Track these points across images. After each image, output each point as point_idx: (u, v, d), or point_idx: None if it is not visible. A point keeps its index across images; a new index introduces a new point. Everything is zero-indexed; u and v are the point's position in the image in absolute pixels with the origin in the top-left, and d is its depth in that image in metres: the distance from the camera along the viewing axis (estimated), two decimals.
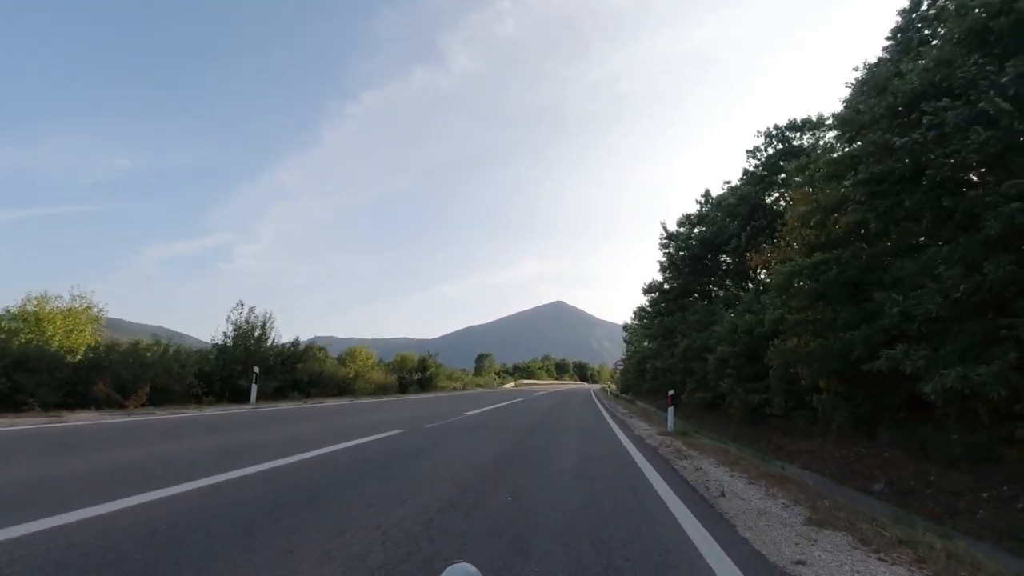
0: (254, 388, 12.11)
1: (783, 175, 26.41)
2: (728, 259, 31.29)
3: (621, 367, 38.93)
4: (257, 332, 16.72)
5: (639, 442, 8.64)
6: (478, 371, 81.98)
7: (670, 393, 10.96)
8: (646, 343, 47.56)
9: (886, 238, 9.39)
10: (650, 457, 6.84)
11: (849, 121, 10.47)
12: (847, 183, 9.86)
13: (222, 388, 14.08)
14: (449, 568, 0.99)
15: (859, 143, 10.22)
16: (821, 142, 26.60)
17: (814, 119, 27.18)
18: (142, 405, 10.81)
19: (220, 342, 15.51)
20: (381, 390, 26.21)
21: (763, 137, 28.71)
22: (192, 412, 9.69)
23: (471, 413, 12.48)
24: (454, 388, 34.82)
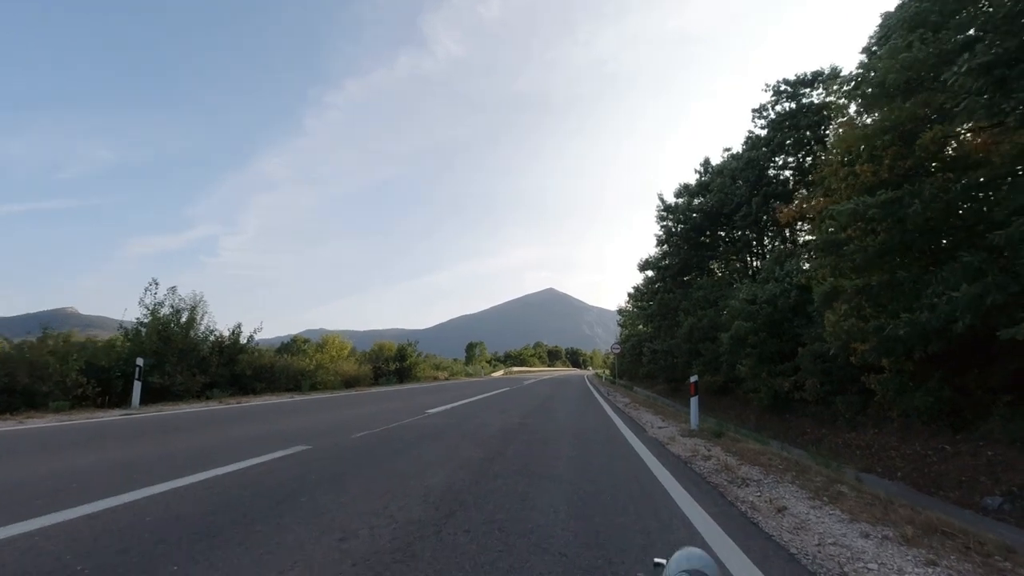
0: (137, 387, 9.27)
1: (796, 135, 23.86)
2: (725, 233, 28.74)
3: (618, 350, 36.48)
4: (184, 317, 13.82)
5: (659, 449, 6.00)
6: (469, 360, 79.64)
7: (692, 380, 8.33)
8: (641, 326, 45.17)
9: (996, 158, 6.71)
10: (690, 484, 4.18)
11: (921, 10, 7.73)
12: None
13: (126, 386, 11.20)
14: (679, 552, 0.90)
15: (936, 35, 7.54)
16: (836, 96, 24.09)
17: (827, 71, 24.65)
18: None
19: (131, 328, 12.57)
20: (353, 382, 23.48)
21: (771, 93, 26.08)
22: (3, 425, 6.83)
23: (436, 411, 9.77)
24: (435, 378, 32.14)
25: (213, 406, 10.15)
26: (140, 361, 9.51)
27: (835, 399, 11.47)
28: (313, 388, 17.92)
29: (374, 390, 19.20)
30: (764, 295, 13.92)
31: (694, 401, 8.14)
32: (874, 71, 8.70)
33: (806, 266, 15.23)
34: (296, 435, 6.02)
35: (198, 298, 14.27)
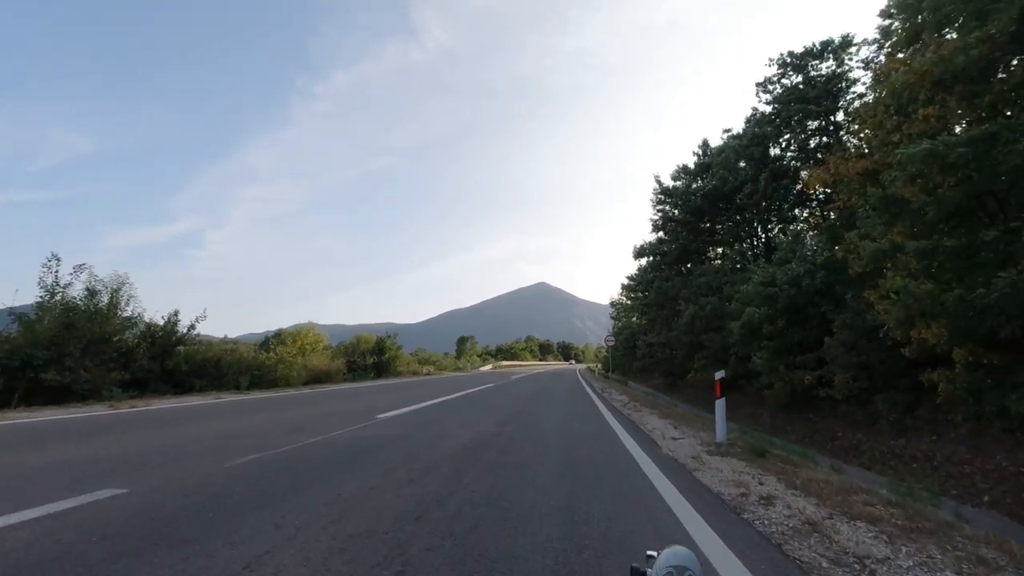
0: None
1: (803, 108, 22.02)
2: (728, 216, 26.95)
3: (612, 342, 34.70)
4: (104, 301, 11.63)
5: (686, 480, 4.03)
6: (459, 354, 78.05)
7: (718, 378, 6.33)
8: (635, 318, 43.40)
9: None
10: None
11: None
12: None
13: (10, 385, 9.05)
14: (667, 549, 0.94)
15: None
16: (849, 65, 22.35)
17: (837, 41, 22.83)
18: None
19: (27, 314, 10.34)
20: (324, 378, 21.40)
21: (776, 66, 24.21)
22: None
23: (390, 415, 7.76)
24: (416, 373, 30.11)
25: (92, 411, 7.98)
26: None
27: (875, 397, 9.62)
28: (271, 385, 15.83)
29: (338, 387, 17.13)
30: (785, 276, 12.03)
31: (720, 406, 6.16)
32: None
33: (811, 242, 13.44)
34: (135, 464, 3.97)
35: (122, 279, 12.09)
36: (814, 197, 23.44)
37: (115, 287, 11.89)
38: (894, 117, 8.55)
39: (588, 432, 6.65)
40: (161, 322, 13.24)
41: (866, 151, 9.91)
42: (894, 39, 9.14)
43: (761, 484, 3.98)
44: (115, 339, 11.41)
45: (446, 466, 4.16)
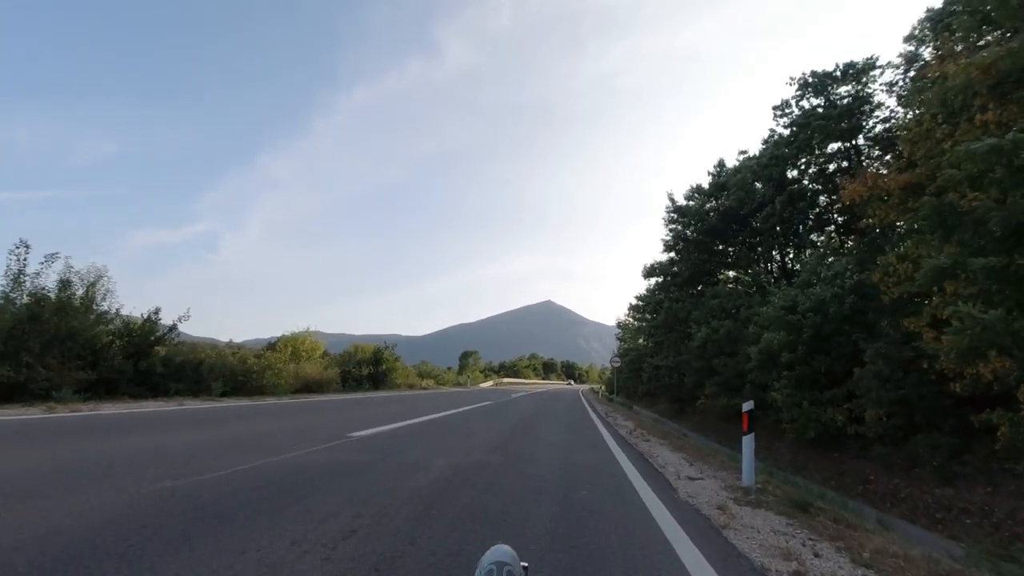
0: None
1: (826, 127, 21.26)
2: (743, 238, 26.07)
3: (618, 363, 33.55)
4: (78, 295, 10.90)
5: (715, 543, 3.06)
6: (462, 369, 77.30)
7: (745, 409, 5.38)
8: (642, 340, 42.22)
9: None
10: None
11: None
12: None
13: None
14: (490, 549, 1.05)
15: None
16: (871, 88, 21.69)
17: (860, 63, 22.13)
18: None
19: None
20: (315, 387, 20.52)
21: (795, 87, 23.55)
22: None
23: (364, 434, 6.85)
24: (411, 387, 29.09)
25: (23, 415, 7.12)
26: None
27: (915, 438, 8.54)
28: (256, 392, 14.94)
29: (326, 397, 16.22)
30: (808, 302, 11.03)
31: (748, 443, 5.18)
32: None
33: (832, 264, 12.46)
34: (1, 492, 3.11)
35: (100, 271, 11.39)
36: (833, 221, 22.60)
37: (91, 280, 11.19)
38: (943, 125, 7.70)
39: (590, 467, 5.68)
40: (140, 320, 12.50)
41: (886, 167, 9.02)
42: (955, 29, 8.27)
43: (817, 556, 3.02)
44: (90, 335, 10.63)
45: (406, 512, 3.24)
